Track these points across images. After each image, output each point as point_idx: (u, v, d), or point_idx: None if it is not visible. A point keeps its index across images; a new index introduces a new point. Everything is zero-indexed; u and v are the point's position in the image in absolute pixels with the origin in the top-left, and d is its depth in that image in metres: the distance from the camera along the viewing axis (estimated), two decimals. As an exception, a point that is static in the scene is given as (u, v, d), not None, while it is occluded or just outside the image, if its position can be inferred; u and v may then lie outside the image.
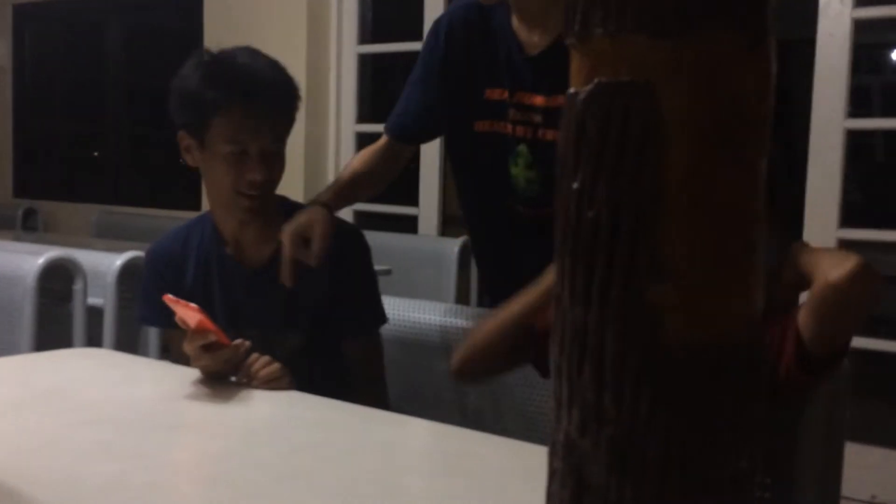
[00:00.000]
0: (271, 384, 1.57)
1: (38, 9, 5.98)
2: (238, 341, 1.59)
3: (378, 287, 1.85)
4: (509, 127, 1.81)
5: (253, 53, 1.74)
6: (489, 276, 2.07)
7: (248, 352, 1.60)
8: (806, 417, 1.33)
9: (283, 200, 1.83)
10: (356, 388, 1.71)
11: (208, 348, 1.55)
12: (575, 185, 0.54)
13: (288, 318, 1.75)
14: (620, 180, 0.52)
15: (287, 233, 1.70)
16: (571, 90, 0.54)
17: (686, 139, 0.51)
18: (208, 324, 1.53)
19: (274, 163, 1.72)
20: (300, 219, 1.71)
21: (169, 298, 1.52)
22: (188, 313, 1.52)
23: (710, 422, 0.55)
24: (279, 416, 1.46)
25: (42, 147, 6.20)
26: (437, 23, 1.95)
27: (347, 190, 1.92)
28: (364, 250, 1.81)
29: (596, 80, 0.52)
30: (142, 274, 1.91)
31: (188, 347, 1.57)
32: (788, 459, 1.35)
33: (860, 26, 3.31)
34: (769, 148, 0.54)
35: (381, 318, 1.84)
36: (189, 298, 1.57)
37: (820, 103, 3.34)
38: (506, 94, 1.81)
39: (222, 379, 1.60)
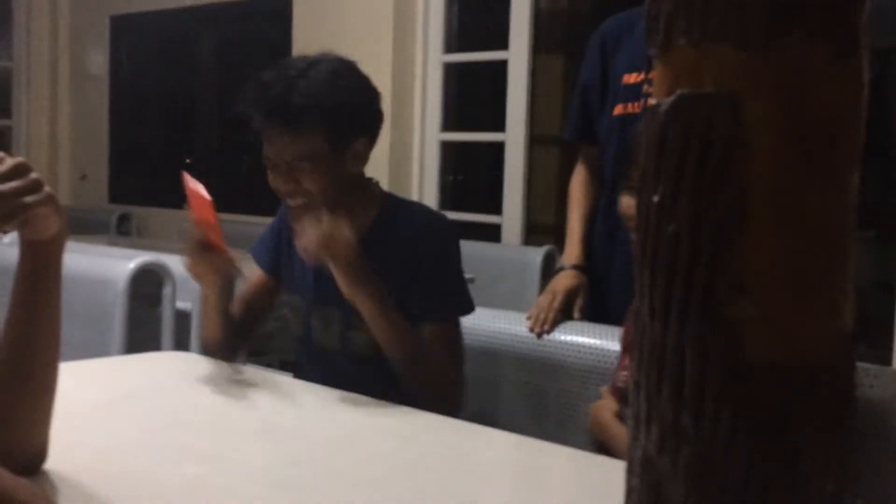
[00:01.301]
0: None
1: (135, 20, 6.16)
2: (233, 254, 1.65)
3: (460, 275, 1.82)
4: (641, 104, 1.98)
5: (288, 65, 1.74)
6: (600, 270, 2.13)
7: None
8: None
9: (388, 194, 1.86)
10: (427, 375, 1.69)
11: (204, 249, 1.60)
12: (655, 199, 0.53)
13: None
14: (702, 195, 0.51)
15: (554, 291, 1.99)
16: (653, 101, 0.53)
17: (771, 153, 0.49)
18: (209, 216, 1.53)
19: (302, 174, 1.70)
20: (567, 283, 2.03)
21: (188, 176, 1.55)
22: (197, 201, 1.53)
23: (794, 443, 0.53)
24: (357, 423, 1.46)
25: (136, 154, 6.38)
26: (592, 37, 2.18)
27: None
28: (443, 236, 1.80)
29: (678, 92, 0.51)
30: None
31: (184, 246, 1.62)
32: (881, 482, 1.30)
33: (962, 33, 3.18)
34: (860, 162, 0.52)
35: (458, 306, 1.81)
36: (289, 262, 1.67)
37: (918, 113, 3.23)
38: (641, 76, 1.99)
39: (217, 286, 1.69)
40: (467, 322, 1.97)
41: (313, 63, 1.75)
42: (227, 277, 1.70)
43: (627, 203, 1.65)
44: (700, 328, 0.52)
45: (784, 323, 0.51)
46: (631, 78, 2.02)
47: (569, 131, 2.27)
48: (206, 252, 1.62)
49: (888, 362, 2.94)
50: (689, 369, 0.53)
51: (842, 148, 0.50)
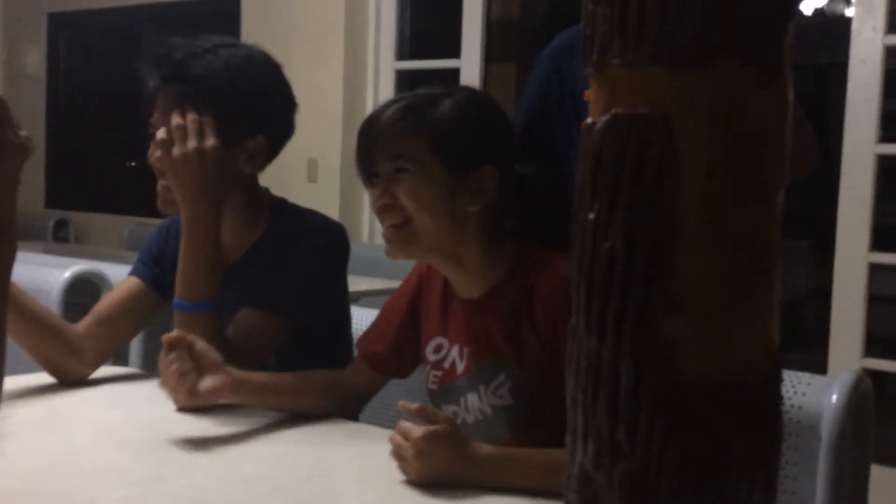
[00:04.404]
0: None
1: (74, 18, 6.03)
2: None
3: (313, 284, 1.63)
4: None
5: (206, 38, 1.66)
6: None
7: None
8: (829, 443, 1.30)
9: (281, 201, 1.72)
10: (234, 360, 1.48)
11: None
12: (591, 216, 0.54)
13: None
14: (636, 212, 0.51)
15: None
16: (588, 120, 0.54)
17: (702, 172, 0.50)
18: None
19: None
20: None
21: None
22: None
23: (724, 457, 0.55)
24: (303, 440, 1.42)
25: (75, 157, 6.24)
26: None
27: None
28: (329, 242, 1.66)
29: (612, 112, 0.52)
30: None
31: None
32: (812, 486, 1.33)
33: (892, 52, 3.28)
34: (787, 180, 0.54)
35: (282, 304, 1.60)
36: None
37: (851, 128, 3.31)
38: None
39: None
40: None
41: (231, 45, 1.64)
42: None
43: None
44: (635, 345, 0.53)
45: (715, 339, 0.52)
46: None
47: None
48: None
49: (823, 369, 3.01)
50: (623, 385, 0.54)
51: (769, 167, 0.52)
